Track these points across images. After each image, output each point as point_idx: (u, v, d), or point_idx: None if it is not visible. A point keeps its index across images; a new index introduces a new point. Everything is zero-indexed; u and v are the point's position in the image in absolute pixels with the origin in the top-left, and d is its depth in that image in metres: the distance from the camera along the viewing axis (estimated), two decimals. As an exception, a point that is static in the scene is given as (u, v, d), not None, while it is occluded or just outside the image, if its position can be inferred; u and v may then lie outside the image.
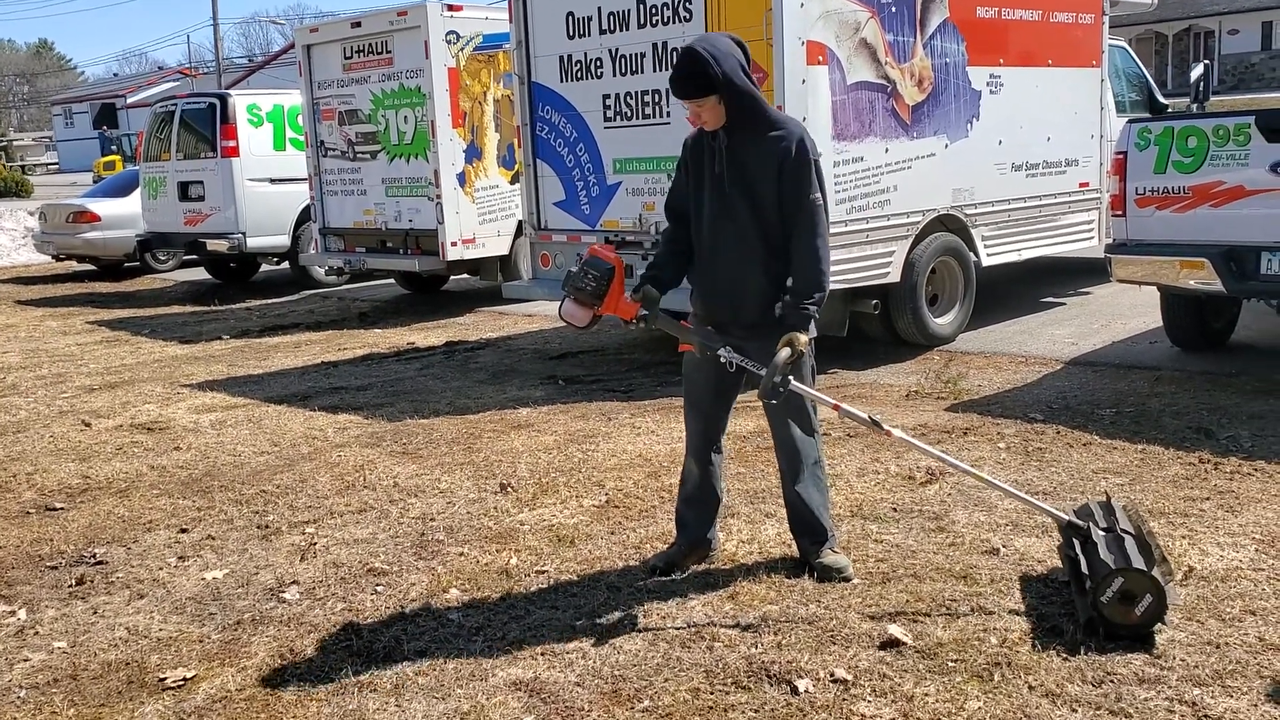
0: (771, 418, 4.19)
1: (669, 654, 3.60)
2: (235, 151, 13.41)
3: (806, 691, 3.30)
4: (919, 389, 7.18)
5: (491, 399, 7.45)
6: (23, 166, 48.31)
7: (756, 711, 3.23)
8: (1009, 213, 8.95)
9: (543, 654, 3.68)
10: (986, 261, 8.85)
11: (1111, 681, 3.27)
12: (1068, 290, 10.70)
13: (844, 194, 7.64)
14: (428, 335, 10.43)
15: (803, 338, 3.89)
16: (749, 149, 3.96)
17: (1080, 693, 3.22)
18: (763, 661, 3.49)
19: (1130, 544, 3.64)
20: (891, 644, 3.56)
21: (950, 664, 3.42)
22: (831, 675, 3.38)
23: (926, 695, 3.25)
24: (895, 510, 4.82)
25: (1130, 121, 7.22)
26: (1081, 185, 9.62)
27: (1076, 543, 3.79)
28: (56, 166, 63.78)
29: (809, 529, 4.22)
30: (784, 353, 3.80)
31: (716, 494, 4.35)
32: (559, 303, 4.00)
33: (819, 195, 3.96)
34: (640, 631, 3.79)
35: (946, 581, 4.04)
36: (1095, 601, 3.47)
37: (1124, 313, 9.42)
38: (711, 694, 3.34)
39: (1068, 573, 3.87)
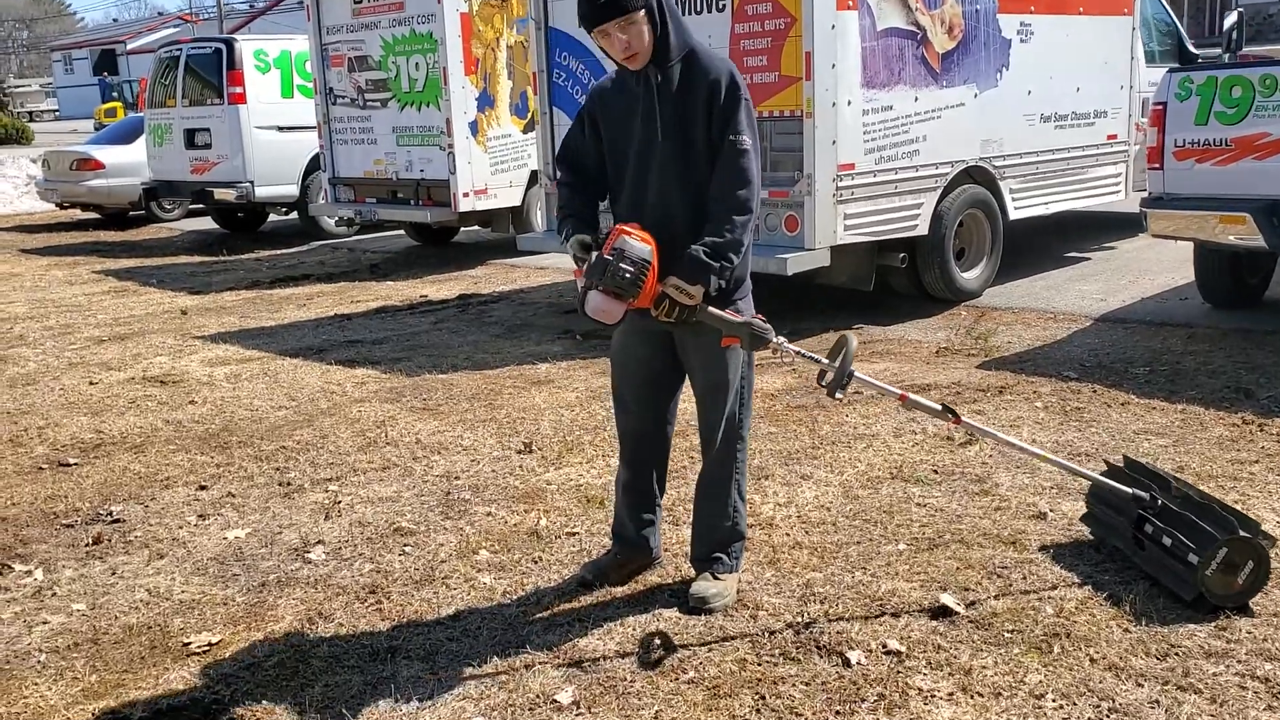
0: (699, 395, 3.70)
1: (711, 622, 3.48)
2: (242, 98, 13.15)
3: (859, 663, 3.18)
4: (949, 345, 7.02)
5: (509, 354, 7.30)
6: (30, 114, 47.86)
7: (808, 684, 3.10)
8: (1037, 165, 8.74)
9: (579, 621, 3.55)
10: (1014, 215, 8.65)
11: (1177, 654, 3.15)
12: (1091, 245, 10.51)
13: (873, 143, 7.43)
14: (440, 288, 10.26)
15: (693, 290, 3.35)
16: (680, 87, 3.42)
17: (1145, 666, 3.09)
18: (811, 632, 3.36)
19: (1214, 510, 3.49)
20: (943, 613, 3.43)
21: (1006, 635, 3.29)
22: (884, 646, 3.26)
23: (984, 668, 3.12)
24: (936, 472, 4.68)
25: (1170, 71, 6.99)
26: (1110, 137, 9.40)
27: (1148, 514, 3.61)
28: (57, 113, 63.24)
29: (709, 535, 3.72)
30: (725, 314, 3.37)
31: (654, 497, 3.85)
32: (581, 297, 3.39)
33: (747, 138, 3.39)
34: (679, 598, 3.66)
35: (995, 547, 3.90)
36: (1202, 574, 3.32)
37: (1151, 268, 9.24)
38: (759, 665, 3.21)
39: (1125, 543, 3.72)
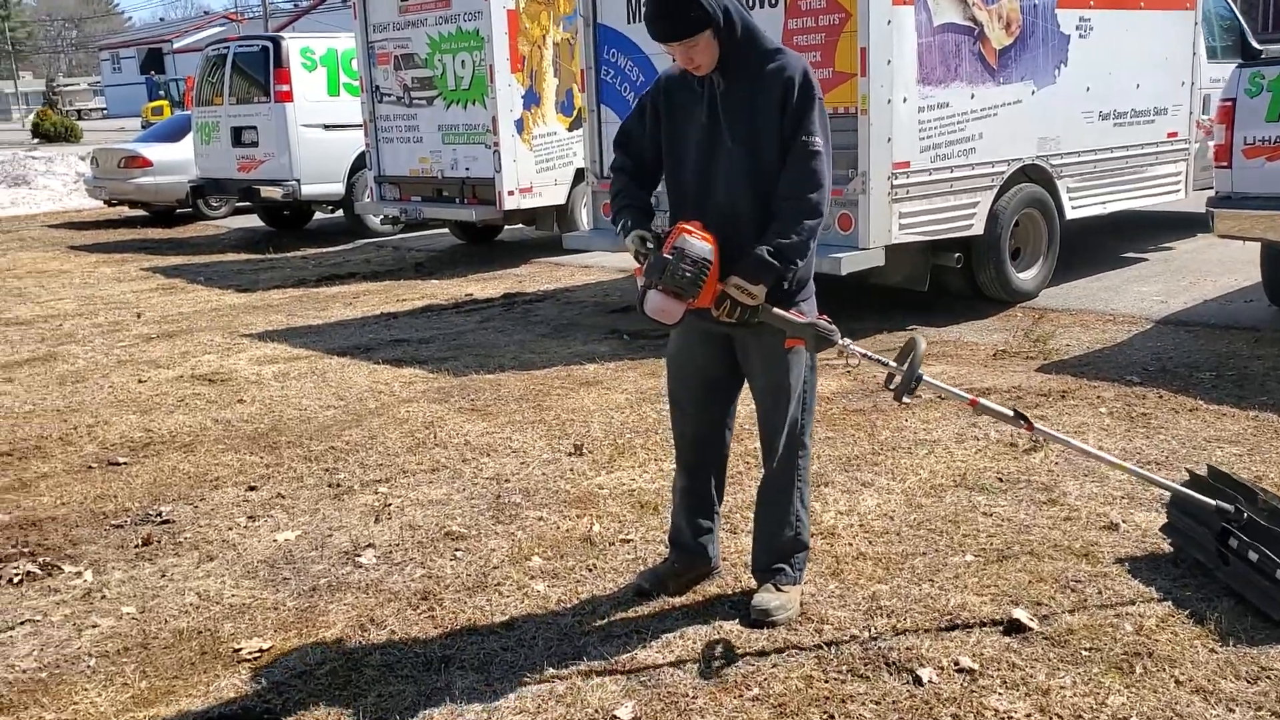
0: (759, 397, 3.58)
1: (774, 635, 3.36)
2: (289, 96, 13.17)
3: (930, 682, 3.05)
4: (1007, 348, 6.85)
5: (556, 354, 7.21)
6: (78, 112, 48.49)
7: (878, 704, 2.98)
8: (1095, 164, 8.55)
9: (637, 632, 3.45)
10: (1071, 215, 8.46)
11: (1268, 678, 3.00)
12: (1149, 245, 10.28)
13: (928, 141, 7.28)
14: (485, 287, 10.20)
15: (755, 290, 3.26)
16: (746, 89, 3.32)
17: (1235, 690, 2.95)
18: (879, 647, 3.24)
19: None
20: (1016, 629, 3.29)
21: (1084, 653, 3.16)
22: (956, 664, 3.13)
23: (1063, 688, 2.99)
24: (1001, 480, 4.54)
25: (1240, 65, 6.79)
26: (1170, 135, 9.18)
27: (1232, 528, 3.45)
28: (104, 111, 64.08)
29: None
30: (789, 314, 3.29)
31: (712, 504, 3.76)
32: (641, 296, 3.30)
33: (819, 140, 3.29)
34: (739, 609, 3.55)
35: (1067, 560, 3.76)
36: None
37: (1212, 270, 9.01)
38: (826, 682, 3.10)
39: (1208, 556, 3.56)
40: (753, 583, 3.64)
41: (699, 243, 3.24)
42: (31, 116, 44.87)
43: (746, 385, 3.66)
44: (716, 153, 3.40)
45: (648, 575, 3.79)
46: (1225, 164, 6.69)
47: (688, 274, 3.20)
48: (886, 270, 7.38)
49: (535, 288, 10.01)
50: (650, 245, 3.37)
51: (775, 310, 3.32)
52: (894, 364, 3.35)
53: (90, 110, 58.82)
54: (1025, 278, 8.29)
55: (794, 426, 3.53)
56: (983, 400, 3.43)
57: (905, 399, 3.30)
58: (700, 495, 3.75)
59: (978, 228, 7.74)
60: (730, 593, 3.68)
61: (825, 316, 3.38)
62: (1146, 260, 9.62)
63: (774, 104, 3.31)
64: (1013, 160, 7.86)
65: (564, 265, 11.17)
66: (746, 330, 3.43)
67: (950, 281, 8.09)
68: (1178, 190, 9.39)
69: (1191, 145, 9.39)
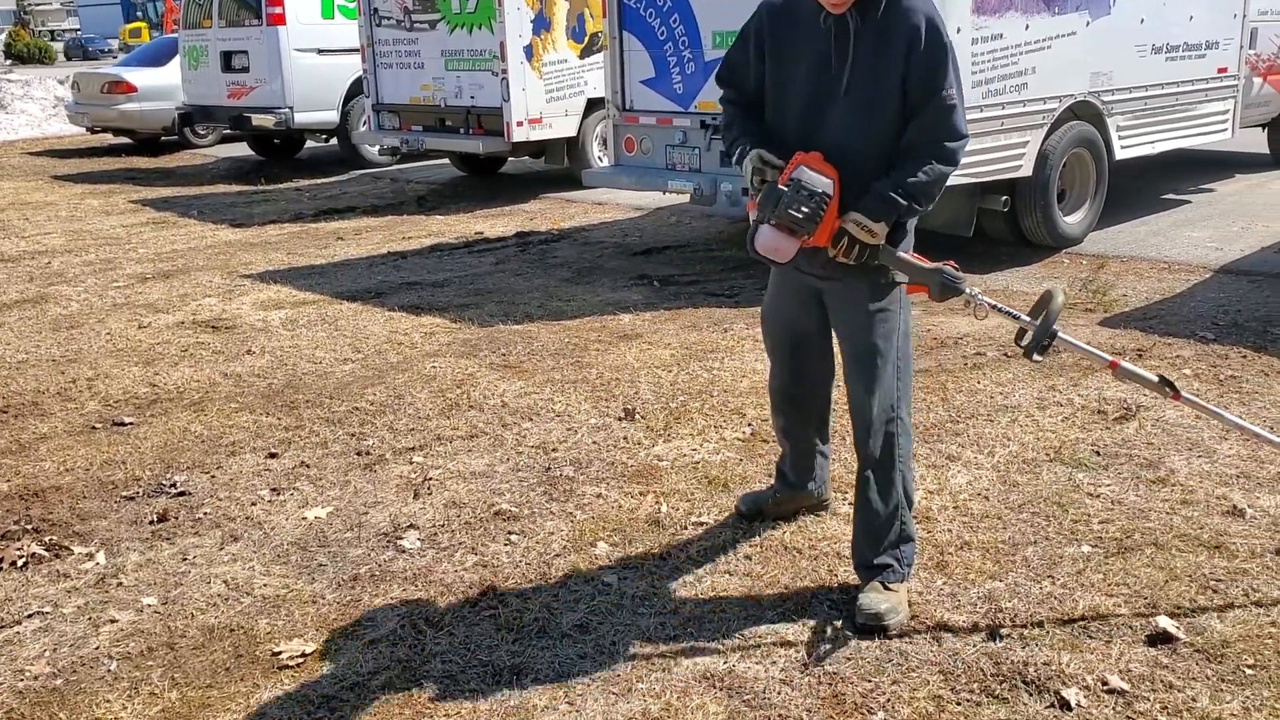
0: (848, 364, 3.25)
1: (888, 645, 2.99)
2: (281, 19, 12.49)
3: (1079, 705, 2.68)
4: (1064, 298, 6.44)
5: (585, 301, 6.77)
6: (51, 33, 47.09)
7: (1023, 731, 2.62)
8: (1146, 100, 8.08)
9: (729, 637, 3.08)
10: (1120, 155, 8.02)
11: None
12: (1187, 186, 9.86)
13: (980, 76, 6.80)
14: (495, 224, 9.71)
15: (876, 227, 2.97)
16: (875, 32, 2.99)
17: None
18: (1012, 661, 2.87)
19: None
20: (1162, 639, 2.93)
21: (1247, 671, 2.79)
22: (1104, 683, 2.76)
23: (1234, 716, 2.63)
24: (1099, 454, 4.16)
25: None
26: (1220, 71, 8.70)
27: None
28: (79, 33, 62.32)
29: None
30: (912, 258, 2.99)
31: (814, 446, 3.62)
32: (752, 232, 3.01)
33: (954, 92, 2.99)
34: (839, 608, 3.17)
35: (1197, 553, 3.39)
36: None
37: (1261, 213, 8.61)
38: (958, 705, 2.73)
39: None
40: (853, 575, 3.26)
41: (818, 175, 2.94)
42: (3, 36, 43.52)
43: None
44: (829, 100, 3.05)
45: (748, 499, 3.77)
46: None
47: (805, 209, 2.90)
48: (930, 214, 6.91)
49: (548, 225, 9.53)
50: (769, 170, 3.03)
51: (898, 253, 2.99)
52: (1027, 318, 3.00)
53: (64, 31, 57.16)
54: (1071, 222, 7.86)
55: (887, 399, 3.17)
56: (1124, 363, 3.07)
57: (1038, 357, 2.98)
58: (799, 438, 3.60)
59: (1026, 169, 7.30)
60: (828, 585, 3.31)
61: (952, 262, 3.03)
62: (1190, 203, 9.20)
63: (899, 51, 2.96)
64: (1064, 96, 7.40)
65: (576, 202, 10.67)
66: (836, 288, 3.16)
67: (992, 226, 7.66)
68: (1225, 129, 8.94)
69: (1240, 81, 8.93)
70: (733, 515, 3.77)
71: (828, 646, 3.00)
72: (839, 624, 3.11)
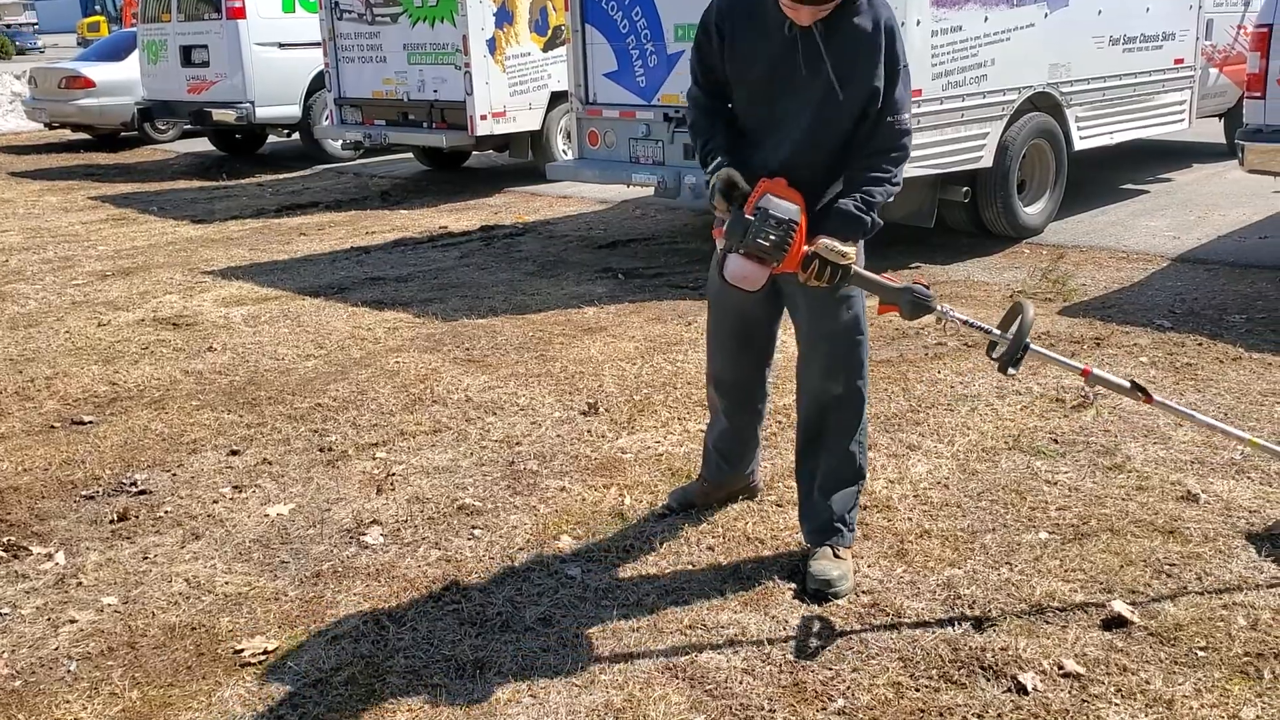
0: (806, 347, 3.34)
1: (849, 634, 3.02)
2: (241, 13, 12.37)
3: (1035, 689, 2.72)
4: (1023, 288, 6.52)
5: (550, 295, 6.77)
6: (7, 27, 46.45)
7: (980, 717, 2.65)
8: (1104, 91, 8.17)
9: (692, 628, 3.09)
10: (1079, 145, 8.11)
11: None
12: (1145, 176, 9.97)
13: (940, 68, 6.86)
14: (459, 218, 9.68)
15: (848, 249, 2.99)
16: (839, 44, 3.00)
17: (1377, 699, 2.65)
18: (970, 647, 2.91)
19: None
20: (1117, 623, 2.98)
21: (1199, 653, 2.84)
22: (1059, 667, 2.80)
23: (1187, 698, 2.67)
24: (1057, 441, 4.21)
25: (1279, -11, 6.40)
26: (1177, 61, 8.80)
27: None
28: (36, 26, 61.46)
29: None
30: (882, 278, 3.03)
31: (751, 444, 3.68)
32: (720, 260, 3.08)
33: (906, 117, 3.07)
34: (803, 601, 3.20)
35: (1152, 538, 3.45)
36: None
37: (1218, 203, 8.72)
38: (917, 691, 2.76)
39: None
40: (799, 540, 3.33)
41: (784, 203, 2.93)
42: (-42, 31, 42.89)
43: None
44: (795, 106, 3.08)
45: (676, 494, 3.78)
46: (1259, 94, 6.34)
47: (773, 236, 2.90)
48: (891, 206, 6.92)
49: (512, 220, 9.51)
50: (737, 189, 3.04)
51: (867, 274, 2.98)
52: (999, 332, 3.00)
53: (21, 25, 56.35)
54: (1031, 212, 7.94)
55: (854, 374, 3.29)
56: (1096, 370, 3.09)
57: (1011, 370, 2.97)
58: (738, 433, 3.62)
59: (986, 160, 7.37)
60: (791, 575, 3.33)
61: (922, 280, 3.06)
62: (1148, 192, 9.31)
63: (864, 64, 3.01)
64: (1024, 88, 7.47)
65: (540, 195, 10.66)
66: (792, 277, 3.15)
67: (953, 217, 7.73)
68: (1182, 120, 9.05)
69: (1196, 73, 9.04)
70: (699, 512, 3.78)
71: (788, 635, 3.03)
72: (800, 611, 3.13)
